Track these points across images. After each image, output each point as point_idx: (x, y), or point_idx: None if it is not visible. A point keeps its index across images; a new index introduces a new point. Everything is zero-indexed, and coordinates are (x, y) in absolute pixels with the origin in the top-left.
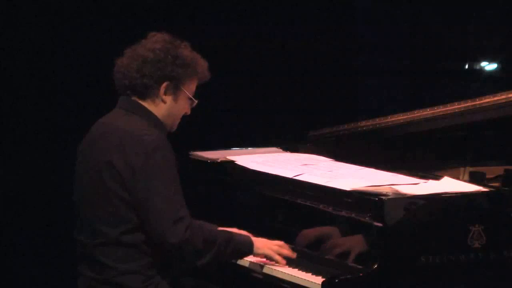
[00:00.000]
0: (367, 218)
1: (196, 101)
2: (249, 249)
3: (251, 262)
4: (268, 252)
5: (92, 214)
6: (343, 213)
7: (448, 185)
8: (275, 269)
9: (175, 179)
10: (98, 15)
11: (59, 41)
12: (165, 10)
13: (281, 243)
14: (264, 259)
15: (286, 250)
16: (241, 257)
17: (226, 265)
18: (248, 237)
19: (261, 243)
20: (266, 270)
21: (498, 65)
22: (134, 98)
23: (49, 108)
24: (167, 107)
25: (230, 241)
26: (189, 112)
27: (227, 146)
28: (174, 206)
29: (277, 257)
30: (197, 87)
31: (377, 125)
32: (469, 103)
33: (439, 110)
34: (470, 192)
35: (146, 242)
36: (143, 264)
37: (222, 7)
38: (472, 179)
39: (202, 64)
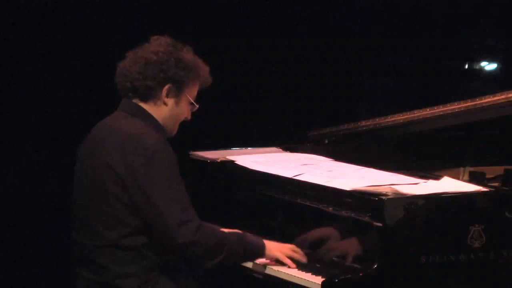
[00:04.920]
0: (367, 218)
1: (197, 106)
2: (261, 251)
3: (251, 262)
4: (279, 255)
5: (91, 216)
6: (343, 213)
7: (448, 185)
8: (275, 269)
9: (177, 181)
10: (99, 17)
11: (60, 42)
12: (165, 12)
13: (293, 246)
14: (269, 260)
15: (297, 254)
16: (252, 259)
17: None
18: (260, 239)
19: (273, 246)
20: (266, 270)
21: (498, 65)
22: (135, 100)
23: (50, 110)
24: (169, 110)
25: (242, 242)
26: (189, 117)
27: (227, 146)
28: (177, 208)
29: (288, 261)
30: (198, 92)
31: (377, 125)
32: (469, 103)
33: (439, 110)
34: (470, 192)
35: (144, 245)
36: (141, 267)
37: (221, 7)
38: (472, 179)
39: (204, 69)
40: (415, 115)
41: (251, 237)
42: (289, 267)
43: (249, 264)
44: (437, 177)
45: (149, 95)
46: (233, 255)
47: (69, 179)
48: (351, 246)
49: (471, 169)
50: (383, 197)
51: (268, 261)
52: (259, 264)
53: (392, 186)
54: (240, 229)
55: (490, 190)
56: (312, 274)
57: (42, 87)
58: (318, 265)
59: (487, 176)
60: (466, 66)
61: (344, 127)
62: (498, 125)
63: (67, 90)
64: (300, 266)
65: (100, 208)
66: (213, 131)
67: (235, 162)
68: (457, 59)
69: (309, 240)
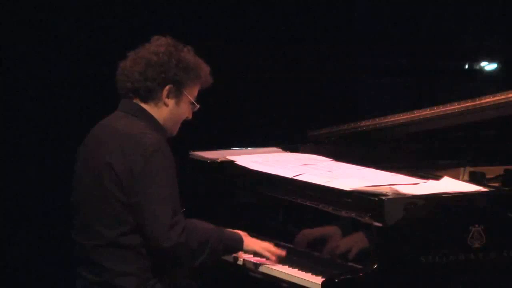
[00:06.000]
0: (367, 218)
1: (198, 106)
2: (239, 245)
3: (250, 262)
4: (258, 249)
5: (91, 216)
6: (343, 213)
7: (448, 185)
8: (274, 269)
9: (172, 183)
10: (101, 17)
11: (60, 42)
12: (166, 13)
13: (269, 244)
14: (258, 258)
15: (274, 249)
16: (232, 253)
17: (226, 265)
18: (238, 234)
19: (252, 241)
20: (265, 270)
21: (498, 65)
22: (136, 101)
23: (50, 110)
24: (169, 110)
25: (222, 239)
26: (190, 117)
27: (227, 146)
28: (169, 210)
29: (266, 253)
30: (199, 92)
31: (377, 125)
32: (469, 103)
33: (439, 110)
34: (470, 192)
35: (143, 245)
36: (139, 267)
37: (221, 7)
38: (472, 179)
39: (205, 69)
40: (415, 115)
41: (229, 232)
42: (268, 259)
43: (248, 264)
44: (437, 177)
45: (150, 96)
46: (214, 253)
47: (69, 179)
48: (351, 246)
49: (471, 169)
50: (383, 197)
51: (259, 259)
52: (258, 264)
53: (392, 186)
54: (240, 229)
55: (490, 190)
56: (312, 274)
57: (42, 87)
58: (318, 265)
59: (487, 176)
60: (466, 66)
61: (344, 127)
62: (498, 125)
63: (67, 90)
64: (300, 266)
65: (100, 207)
66: (213, 131)
67: (235, 162)
68: (457, 59)
69: (309, 240)
